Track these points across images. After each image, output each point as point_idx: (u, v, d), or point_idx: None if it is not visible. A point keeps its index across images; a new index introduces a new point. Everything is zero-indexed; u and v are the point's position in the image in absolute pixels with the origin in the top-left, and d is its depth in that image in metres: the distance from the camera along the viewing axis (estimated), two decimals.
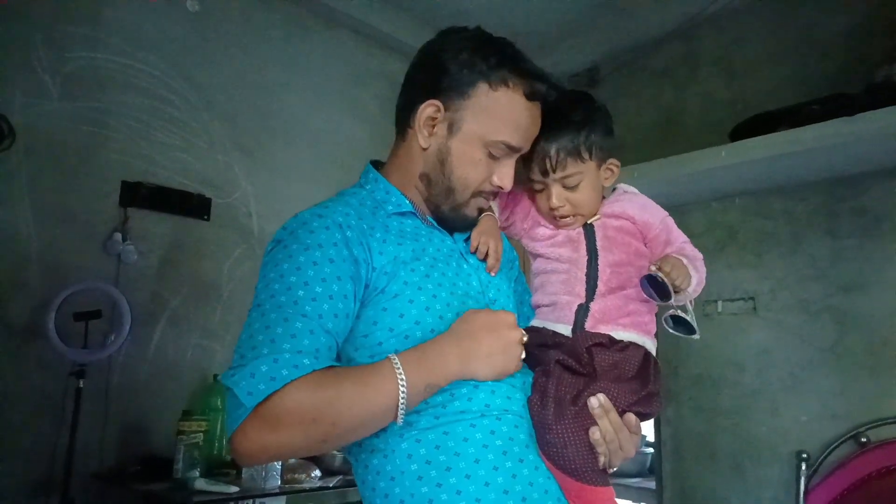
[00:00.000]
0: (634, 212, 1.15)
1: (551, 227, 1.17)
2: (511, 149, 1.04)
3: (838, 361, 2.44)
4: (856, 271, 2.44)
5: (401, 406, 0.86)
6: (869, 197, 2.44)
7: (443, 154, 1.04)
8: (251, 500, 2.18)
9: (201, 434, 2.10)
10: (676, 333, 1.12)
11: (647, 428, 3.00)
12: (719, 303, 2.78)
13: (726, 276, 2.77)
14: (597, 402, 0.97)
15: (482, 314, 0.96)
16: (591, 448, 0.97)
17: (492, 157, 1.04)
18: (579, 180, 1.11)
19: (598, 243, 1.12)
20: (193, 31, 2.59)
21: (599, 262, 1.11)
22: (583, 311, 1.08)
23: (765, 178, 2.56)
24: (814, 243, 2.56)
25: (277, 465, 2.14)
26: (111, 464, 2.22)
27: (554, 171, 1.10)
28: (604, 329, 1.06)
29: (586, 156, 1.10)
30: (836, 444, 2.38)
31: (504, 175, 1.06)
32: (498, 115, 1.02)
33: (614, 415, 0.97)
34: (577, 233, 1.14)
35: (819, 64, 2.60)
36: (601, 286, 1.09)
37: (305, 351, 0.85)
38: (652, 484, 3.01)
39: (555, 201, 1.11)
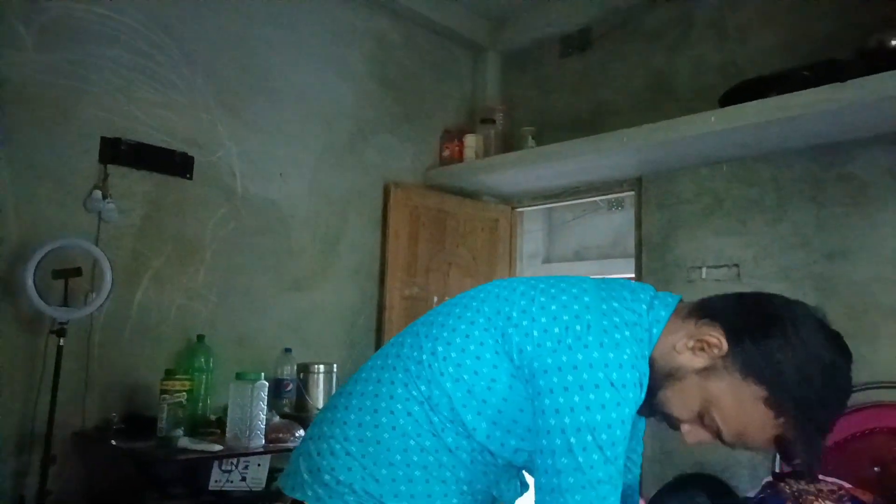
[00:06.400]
0: None
1: None
2: (717, 434, 0.94)
3: None
4: (840, 239, 2.45)
5: None
6: (855, 164, 2.43)
7: (673, 374, 0.94)
8: (236, 459, 2.20)
9: (185, 393, 2.09)
10: None
11: None
12: (703, 269, 2.79)
13: (711, 242, 2.77)
14: None
15: None
16: None
17: (699, 416, 0.94)
18: None
19: None
20: None
21: None
22: None
23: (753, 145, 2.55)
24: (799, 211, 2.56)
25: (262, 424, 2.15)
26: (94, 422, 2.21)
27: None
28: None
29: None
30: None
31: (693, 436, 0.96)
32: (739, 411, 0.91)
33: None
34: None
35: (812, 28, 2.57)
36: None
37: None
38: None
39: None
